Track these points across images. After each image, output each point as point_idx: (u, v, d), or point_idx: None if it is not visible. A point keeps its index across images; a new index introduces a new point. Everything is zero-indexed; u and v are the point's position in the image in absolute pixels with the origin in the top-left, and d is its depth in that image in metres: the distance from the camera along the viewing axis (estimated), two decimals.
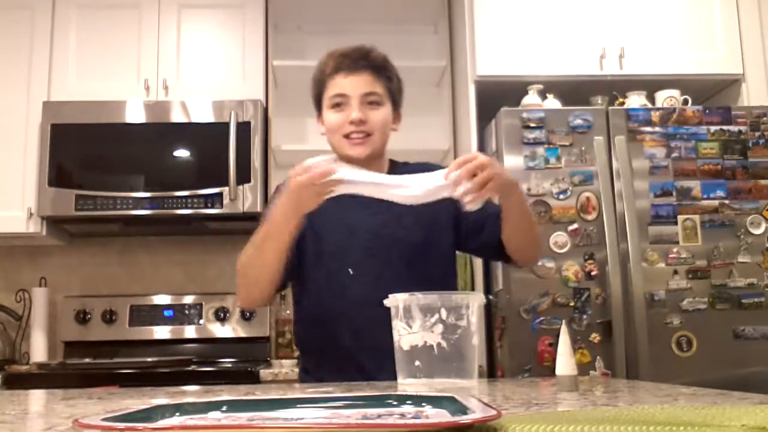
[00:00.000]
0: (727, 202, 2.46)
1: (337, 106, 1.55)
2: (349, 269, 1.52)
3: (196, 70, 2.99)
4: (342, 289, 1.44)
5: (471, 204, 1.30)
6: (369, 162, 1.56)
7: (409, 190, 1.32)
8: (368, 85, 1.55)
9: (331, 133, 1.58)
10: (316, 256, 1.55)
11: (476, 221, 1.55)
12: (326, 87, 1.58)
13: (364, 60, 1.56)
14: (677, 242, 2.43)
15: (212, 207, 2.79)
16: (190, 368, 2.60)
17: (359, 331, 1.48)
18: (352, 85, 1.54)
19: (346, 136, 1.55)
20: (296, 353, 3.01)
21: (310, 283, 1.56)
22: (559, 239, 2.40)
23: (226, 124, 2.83)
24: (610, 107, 2.58)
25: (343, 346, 1.50)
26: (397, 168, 1.68)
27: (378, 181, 1.34)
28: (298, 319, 1.65)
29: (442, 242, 1.59)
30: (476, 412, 0.63)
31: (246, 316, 3.04)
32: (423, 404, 0.77)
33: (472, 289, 2.71)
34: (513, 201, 1.45)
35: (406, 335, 1.18)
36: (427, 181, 1.33)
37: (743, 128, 2.52)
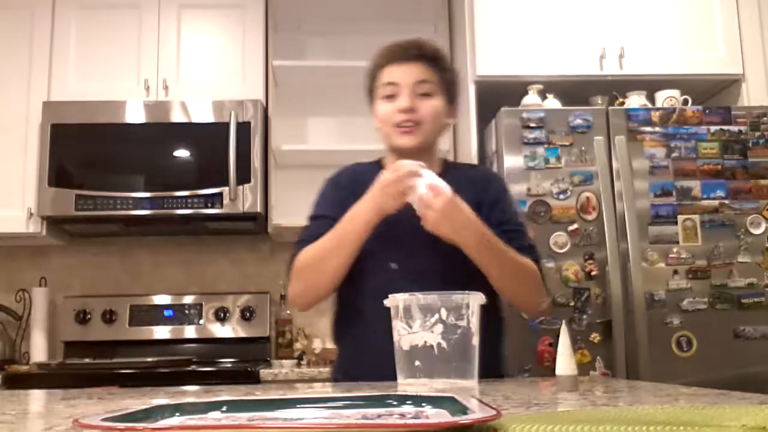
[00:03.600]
0: (727, 202, 2.46)
1: (388, 96, 1.55)
2: (392, 264, 1.51)
3: (196, 70, 2.99)
4: (385, 284, 1.42)
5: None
6: (419, 154, 1.55)
7: None
8: (420, 74, 1.54)
9: (382, 123, 1.58)
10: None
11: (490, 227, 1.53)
12: (378, 78, 1.58)
13: (416, 50, 1.56)
14: (677, 242, 2.43)
15: (212, 207, 2.79)
16: (190, 368, 2.60)
17: None
18: (403, 73, 1.54)
19: (397, 126, 1.54)
20: (297, 353, 3.01)
21: (351, 279, 1.52)
22: (559, 239, 2.40)
23: (226, 124, 2.83)
24: (610, 107, 2.58)
25: (380, 342, 1.48)
26: (448, 169, 1.65)
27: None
28: (338, 317, 1.63)
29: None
30: (476, 412, 0.63)
31: (246, 316, 3.04)
32: (423, 404, 0.77)
33: None
34: (470, 245, 1.41)
35: (406, 335, 1.18)
36: None
37: (743, 128, 2.52)
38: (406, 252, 1.50)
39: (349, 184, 1.60)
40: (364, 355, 1.55)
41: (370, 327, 1.49)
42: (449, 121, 1.63)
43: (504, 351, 1.66)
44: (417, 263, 1.48)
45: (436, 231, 1.38)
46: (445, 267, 1.48)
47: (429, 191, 1.33)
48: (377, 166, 1.66)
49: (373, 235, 1.46)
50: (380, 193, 1.37)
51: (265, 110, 2.98)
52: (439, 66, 1.57)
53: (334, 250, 1.46)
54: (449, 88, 1.60)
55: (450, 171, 1.64)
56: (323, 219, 1.54)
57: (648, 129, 2.50)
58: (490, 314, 1.60)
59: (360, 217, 1.42)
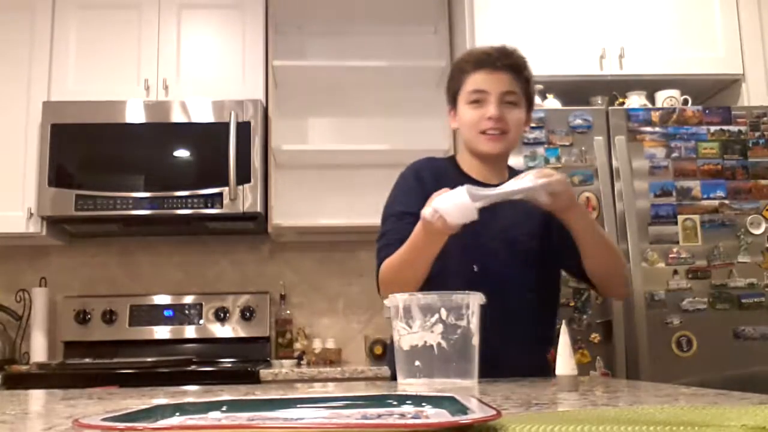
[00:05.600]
0: (727, 202, 2.46)
1: (475, 102, 1.58)
2: (474, 266, 1.54)
3: (196, 70, 2.99)
4: (465, 286, 1.44)
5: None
6: (496, 161, 1.63)
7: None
8: (508, 84, 1.57)
9: (466, 128, 1.61)
10: (439, 255, 1.52)
11: (560, 241, 1.58)
12: (465, 82, 1.60)
13: (506, 59, 1.58)
14: (677, 242, 2.43)
15: (212, 207, 2.79)
16: (190, 368, 2.60)
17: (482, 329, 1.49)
18: (492, 82, 1.57)
19: (482, 132, 1.58)
20: (297, 353, 3.01)
21: (432, 280, 1.53)
22: None
23: (226, 124, 2.83)
24: (610, 107, 2.58)
25: None
26: (513, 175, 1.68)
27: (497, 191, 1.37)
28: None
29: (553, 251, 1.62)
30: (476, 412, 0.63)
31: (246, 316, 3.04)
32: (423, 404, 0.77)
33: None
34: (576, 221, 1.48)
35: (406, 335, 1.18)
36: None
37: (743, 128, 2.52)
38: (487, 256, 1.54)
39: (432, 180, 1.62)
40: None
41: None
42: (526, 129, 1.69)
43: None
44: (497, 267, 1.53)
45: (562, 204, 1.43)
46: (522, 271, 1.55)
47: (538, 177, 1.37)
48: (453, 163, 1.71)
49: (457, 237, 1.47)
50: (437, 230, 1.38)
51: (265, 110, 2.98)
52: (523, 77, 1.61)
53: (417, 263, 1.49)
54: (530, 97, 1.65)
55: (514, 177, 1.68)
56: (409, 216, 1.55)
57: (648, 129, 2.50)
58: (549, 317, 1.64)
59: (435, 239, 1.43)
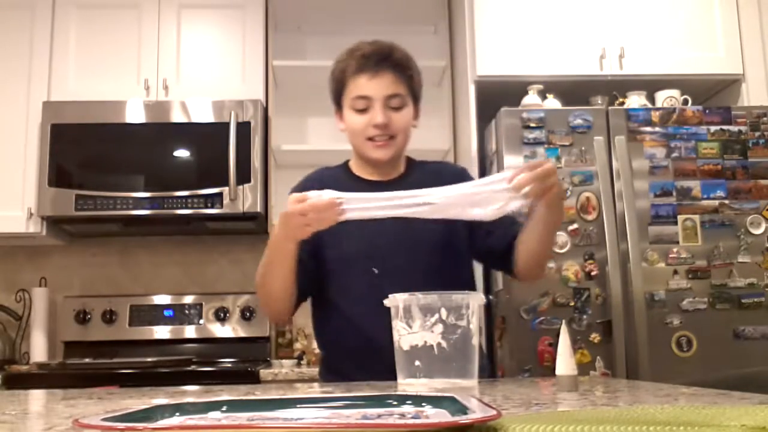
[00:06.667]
0: (727, 202, 2.46)
1: (359, 108, 1.55)
2: (374, 269, 1.52)
3: (196, 70, 2.99)
4: (366, 289, 1.43)
5: (522, 206, 1.29)
6: (389, 163, 1.60)
7: (429, 198, 1.30)
8: (391, 87, 1.53)
9: (353, 134, 1.59)
10: (338, 260, 1.54)
11: (488, 225, 1.50)
12: (347, 87, 1.57)
13: (386, 60, 1.54)
14: (677, 242, 2.43)
15: (212, 207, 2.79)
16: (190, 368, 2.60)
17: (386, 329, 1.47)
18: (374, 87, 1.53)
19: (369, 139, 1.55)
20: (296, 353, 3.01)
21: (334, 285, 1.56)
22: (559, 239, 2.40)
23: (226, 124, 2.83)
24: (610, 107, 2.58)
25: (373, 346, 1.46)
26: (413, 167, 1.68)
27: (389, 198, 1.30)
28: (320, 324, 1.64)
29: (461, 242, 1.59)
30: (476, 412, 0.63)
31: (246, 316, 3.04)
32: (423, 404, 0.77)
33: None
34: (551, 214, 1.41)
35: (406, 335, 1.18)
36: (455, 190, 1.30)
37: (743, 128, 2.52)
38: (386, 256, 1.52)
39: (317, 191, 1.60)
40: (352, 356, 1.55)
41: (357, 329, 1.51)
42: (415, 124, 1.63)
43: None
44: (398, 266, 1.50)
45: (556, 200, 1.36)
46: (426, 269, 1.51)
47: (530, 175, 1.26)
48: (345, 169, 1.68)
49: (354, 241, 1.50)
50: (286, 227, 1.37)
51: (265, 110, 2.98)
52: (407, 73, 1.56)
53: (270, 276, 1.49)
54: (416, 92, 1.60)
55: (415, 168, 1.67)
56: None
57: (648, 129, 2.50)
58: None
59: (280, 248, 1.43)
